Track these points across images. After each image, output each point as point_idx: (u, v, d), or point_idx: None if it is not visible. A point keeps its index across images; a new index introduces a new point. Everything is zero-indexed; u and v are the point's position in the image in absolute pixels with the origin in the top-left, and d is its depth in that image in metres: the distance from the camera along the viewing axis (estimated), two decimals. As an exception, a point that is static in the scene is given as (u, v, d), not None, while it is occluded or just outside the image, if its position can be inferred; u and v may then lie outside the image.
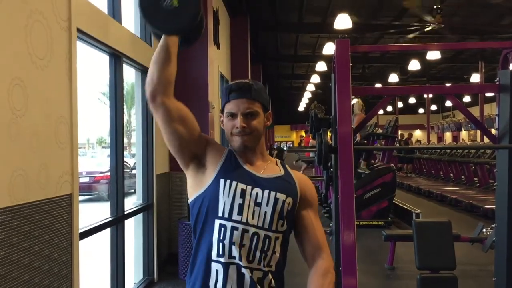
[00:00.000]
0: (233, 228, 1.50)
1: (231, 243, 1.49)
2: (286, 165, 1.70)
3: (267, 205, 1.54)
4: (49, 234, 2.69)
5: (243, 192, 1.53)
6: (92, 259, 5.83)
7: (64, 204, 2.87)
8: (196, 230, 1.58)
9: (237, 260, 1.49)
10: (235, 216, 1.51)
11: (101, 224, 3.69)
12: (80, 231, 3.14)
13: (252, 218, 1.52)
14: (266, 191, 1.55)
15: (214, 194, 1.55)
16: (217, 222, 1.52)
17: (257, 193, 1.54)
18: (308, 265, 1.62)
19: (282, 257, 1.57)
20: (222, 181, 1.55)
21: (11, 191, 2.35)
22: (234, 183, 1.54)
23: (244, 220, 1.51)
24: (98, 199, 12.72)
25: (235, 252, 1.49)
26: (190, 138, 1.59)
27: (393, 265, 5.26)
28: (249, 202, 1.53)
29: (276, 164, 1.68)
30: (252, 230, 1.51)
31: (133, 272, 4.89)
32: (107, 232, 3.89)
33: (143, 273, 4.90)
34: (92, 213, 8.31)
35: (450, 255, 3.39)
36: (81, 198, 3.28)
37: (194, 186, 1.62)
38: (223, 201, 1.53)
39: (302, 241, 1.64)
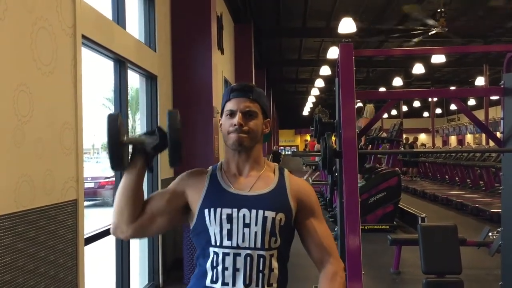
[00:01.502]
0: (224, 254, 1.50)
1: (224, 269, 1.49)
2: (285, 172, 1.66)
3: (256, 224, 1.51)
4: (55, 239, 2.70)
5: (229, 217, 1.51)
6: (97, 264, 5.83)
7: (69, 209, 2.88)
8: (198, 260, 1.59)
9: (230, 287, 1.48)
10: (225, 243, 1.50)
11: (106, 230, 3.69)
12: (85, 236, 3.14)
13: (243, 241, 1.50)
14: (254, 211, 1.52)
15: (202, 225, 1.54)
16: (211, 250, 1.52)
17: (244, 214, 1.51)
18: (318, 270, 1.61)
19: (281, 272, 1.54)
20: (206, 211, 1.54)
21: (17, 197, 2.36)
22: (219, 210, 1.52)
23: (234, 244, 1.50)
24: (103, 205, 12.74)
25: (228, 278, 1.48)
26: (171, 212, 1.60)
27: (398, 270, 5.23)
28: (237, 226, 1.51)
29: (274, 172, 1.63)
30: (244, 252, 1.49)
31: (138, 277, 4.89)
32: (112, 237, 3.89)
33: (148, 279, 4.90)
34: (97, 218, 8.32)
35: (456, 259, 3.37)
36: (86, 203, 3.28)
37: (190, 222, 1.63)
38: (212, 230, 1.52)
39: (308, 248, 1.62)
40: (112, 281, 4.02)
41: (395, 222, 7.73)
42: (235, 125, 1.55)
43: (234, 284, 1.48)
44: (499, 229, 3.99)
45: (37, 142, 2.56)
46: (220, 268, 1.49)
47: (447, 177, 14.12)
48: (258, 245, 1.50)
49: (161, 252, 4.99)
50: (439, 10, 10.16)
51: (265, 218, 1.51)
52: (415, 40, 11.43)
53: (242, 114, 1.56)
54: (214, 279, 1.50)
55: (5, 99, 2.30)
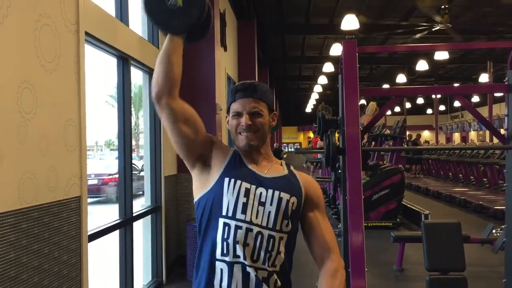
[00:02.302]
0: (237, 227, 1.50)
1: (235, 242, 1.49)
2: (291, 166, 1.70)
3: (271, 204, 1.54)
4: (58, 236, 2.71)
5: (247, 191, 1.54)
6: (101, 261, 5.85)
7: (73, 206, 2.89)
8: (200, 229, 1.59)
9: (241, 259, 1.48)
10: (239, 215, 1.51)
11: (109, 226, 3.71)
12: (89, 233, 3.15)
13: (256, 217, 1.52)
14: (270, 191, 1.55)
15: (218, 193, 1.55)
16: (221, 221, 1.52)
17: (261, 193, 1.55)
18: (318, 266, 1.61)
19: (287, 257, 1.55)
20: (226, 180, 1.56)
21: (21, 194, 2.37)
22: (239, 182, 1.55)
23: (248, 219, 1.51)
24: (106, 201, 12.78)
25: (239, 251, 1.48)
26: (195, 139, 1.60)
27: (402, 267, 5.23)
28: (253, 202, 1.53)
29: (281, 165, 1.69)
30: (256, 229, 1.51)
31: (142, 274, 4.91)
32: (115, 234, 3.91)
33: (151, 275, 4.92)
34: (100, 215, 8.35)
35: (459, 257, 3.37)
36: (89, 200, 3.29)
37: (200, 186, 1.63)
38: (227, 200, 1.53)
39: (310, 242, 1.63)
40: (115, 278, 4.03)
41: (398, 219, 7.73)
42: (242, 125, 1.58)
43: (244, 258, 1.48)
44: (502, 226, 3.98)
45: (41, 139, 2.57)
46: (231, 241, 1.50)
47: (450, 174, 14.10)
48: (270, 225, 1.52)
49: (164, 248, 5.00)
50: (443, 7, 10.12)
51: (280, 199, 1.55)
52: (418, 36, 11.38)
53: (249, 114, 1.59)
54: (225, 252, 1.50)
55: (8, 96, 2.30)
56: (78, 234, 2.94)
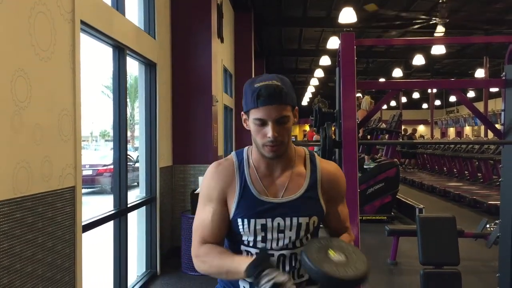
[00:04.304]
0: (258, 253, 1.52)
1: None
2: (316, 159, 1.62)
3: (290, 230, 1.51)
4: (52, 226, 2.69)
5: (264, 227, 1.51)
6: (95, 251, 5.84)
7: (67, 196, 2.87)
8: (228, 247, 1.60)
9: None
10: (259, 245, 1.52)
11: (104, 217, 3.69)
12: (83, 223, 3.14)
13: (277, 245, 1.52)
14: (288, 219, 1.51)
15: (235, 229, 1.54)
16: (243, 249, 1.54)
17: (278, 223, 1.51)
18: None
19: None
20: (239, 221, 1.52)
21: (15, 183, 2.35)
22: (253, 221, 1.51)
23: (268, 247, 1.52)
24: (101, 192, 12.76)
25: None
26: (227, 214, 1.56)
27: (395, 260, 5.25)
28: (272, 233, 1.51)
29: (305, 164, 1.60)
30: (277, 253, 1.52)
31: (136, 265, 4.90)
32: (110, 225, 3.89)
33: (146, 266, 4.91)
34: (95, 206, 8.33)
35: (454, 251, 3.37)
36: (84, 191, 3.27)
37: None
38: (246, 237, 1.53)
39: (329, 223, 1.67)
40: (109, 268, 4.03)
41: (392, 213, 7.75)
42: (269, 137, 1.46)
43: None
44: (496, 221, 3.99)
45: (35, 128, 2.54)
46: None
47: (445, 168, 14.15)
48: (291, 246, 1.52)
49: (159, 240, 5.00)
50: (440, 1, 10.10)
51: (299, 225, 1.52)
52: (415, 27, 11.36)
53: (275, 123, 1.46)
54: None
55: (3, 84, 2.28)
56: (72, 224, 2.92)
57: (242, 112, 1.55)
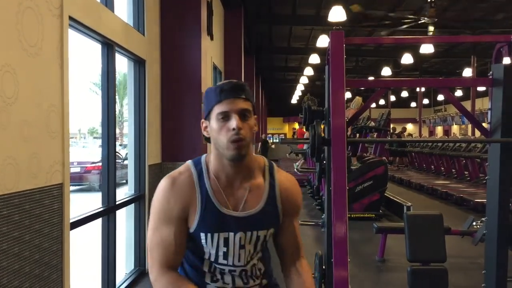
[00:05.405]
0: (220, 269, 1.56)
1: (222, 274, 1.57)
2: (275, 171, 1.62)
3: (249, 243, 1.55)
4: (40, 223, 2.67)
5: (226, 241, 1.53)
6: (83, 249, 5.80)
7: (55, 193, 2.85)
8: (190, 256, 1.61)
9: (230, 286, 1.57)
10: (221, 260, 1.55)
11: (92, 214, 3.67)
12: (71, 221, 3.12)
13: (238, 261, 1.55)
14: (249, 233, 1.54)
15: (198, 243, 1.55)
16: (206, 261, 1.58)
17: (240, 238, 1.53)
18: (283, 260, 1.67)
19: (266, 262, 1.65)
20: (202, 235, 1.52)
21: (1, 180, 2.32)
22: (216, 235, 1.52)
23: (230, 263, 1.55)
24: (89, 190, 12.67)
25: (227, 279, 1.57)
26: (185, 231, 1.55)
27: (383, 257, 5.29)
28: (233, 248, 1.54)
29: (264, 175, 1.59)
30: (238, 269, 1.57)
31: (125, 262, 4.88)
32: (98, 222, 3.87)
33: (134, 264, 4.90)
34: (83, 203, 8.27)
35: (441, 248, 3.40)
36: (72, 188, 3.24)
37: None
38: (208, 250, 1.55)
39: (280, 243, 1.66)
40: (98, 266, 4.01)
41: (381, 211, 7.80)
42: (233, 128, 1.44)
43: (234, 283, 1.57)
44: (483, 219, 4.03)
45: (23, 125, 2.52)
46: (217, 272, 1.57)
47: (433, 167, 14.26)
48: (249, 259, 1.57)
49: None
50: (429, 0, 10.16)
51: (258, 238, 1.56)
52: (403, 27, 11.43)
53: (239, 115, 1.46)
54: (215, 279, 1.57)
55: (-11, 80, 2.25)
56: (59, 222, 2.90)
57: (202, 120, 1.55)
